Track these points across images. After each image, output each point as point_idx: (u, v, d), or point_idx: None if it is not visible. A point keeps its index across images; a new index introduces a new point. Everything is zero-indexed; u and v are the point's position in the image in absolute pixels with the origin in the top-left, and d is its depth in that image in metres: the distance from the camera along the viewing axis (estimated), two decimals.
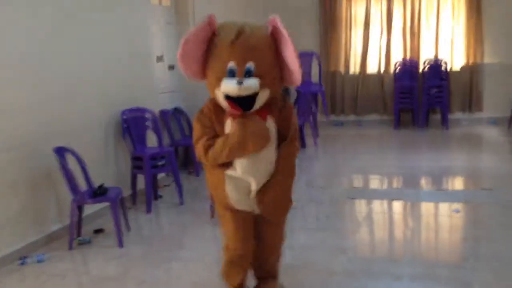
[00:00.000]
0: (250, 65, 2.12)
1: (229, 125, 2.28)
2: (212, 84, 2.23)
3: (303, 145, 6.72)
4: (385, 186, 5.13)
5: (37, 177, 3.80)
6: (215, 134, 2.31)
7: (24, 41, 3.70)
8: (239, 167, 2.31)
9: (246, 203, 2.42)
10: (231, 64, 2.13)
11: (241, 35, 2.14)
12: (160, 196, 5.02)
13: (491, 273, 2.95)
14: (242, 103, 2.16)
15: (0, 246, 3.47)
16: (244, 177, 2.33)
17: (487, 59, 7.94)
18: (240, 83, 2.10)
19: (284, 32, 2.15)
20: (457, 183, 5.30)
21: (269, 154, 2.33)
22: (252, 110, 2.22)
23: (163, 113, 5.68)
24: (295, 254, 3.37)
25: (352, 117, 8.74)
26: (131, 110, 4.84)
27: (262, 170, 2.33)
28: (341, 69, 8.62)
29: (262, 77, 2.15)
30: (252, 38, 2.15)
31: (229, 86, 2.13)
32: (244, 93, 2.12)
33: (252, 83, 2.13)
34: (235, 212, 2.44)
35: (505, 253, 3.22)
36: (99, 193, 3.77)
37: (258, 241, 2.59)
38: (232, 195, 2.38)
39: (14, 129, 3.59)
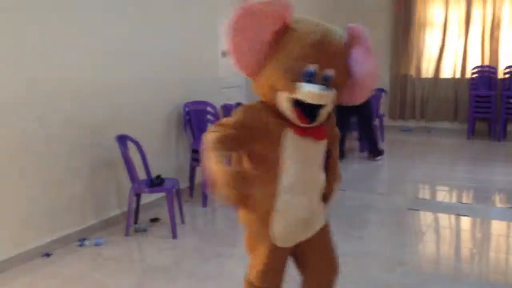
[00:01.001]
0: (331, 72, 1.78)
1: (290, 138, 1.85)
2: (274, 85, 1.81)
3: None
4: (452, 200, 4.83)
5: (100, 163, 3.91)
6: (238, 139, 1.84)
7: (107, 37, 3.83)
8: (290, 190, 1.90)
9: (294, 237, 1.99)
10: (312, 67, 1.75)
11: (327, 37, 1.81)
12: None
13: None
14: (310, 113, 1.79)
15: (62, 226, 3.61)
16: (296, 201, 1.92)
17: None
18: (324, 89, 1.76)
19: (368, 44, 1.89)
20: None
21: (320, 176, 2.02)
22: (316, 123, 1.85)
23: (225, 107, 5.68)
24: (347, 262, 3.23)
25: (421, 123, 8.37)
26: (194, 103, 4.88)
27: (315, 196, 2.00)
28: (412, 72, 8.26)
29: (338, 88, 1.86)
30: (336, 43, 1.83)
31: (310, 90, 1.74)
32: (322, 101, 1.78)
33: (332, 92, 1.80)
34: (273, 248, 1.97)
35: None
36: (156, 183, 3.82)
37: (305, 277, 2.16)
38: (280, 230, 1.92)
39: (82, 116, 3.72)
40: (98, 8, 3.81)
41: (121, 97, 4.08)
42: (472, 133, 7.63)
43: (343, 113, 6.48)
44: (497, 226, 4.07)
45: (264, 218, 1.91)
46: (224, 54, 5.83)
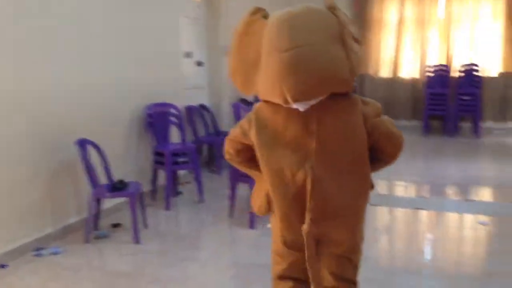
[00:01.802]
0: None
1: None
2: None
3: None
4: (410, 194, 4.98)
5: (58, 168, 3.80)
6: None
7: (67, 38, 3.72)
8: None
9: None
10: None
11: None
12: (180, 193, 4.99)
13: None
14: None
15: (17, 236, 3.48)
16: None
17: None
18: None
19: None
20: (486, 195, 5.10)
21: None
22: None
23: (189, 109, 5.65)
24: None
25: None
26: (156, 105, 4.82)
27: None
28: (371, 71, 8.45)
29: None
30: None
31: None
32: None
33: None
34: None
35: None
36: (118, 187, 3.75)
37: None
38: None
39: (39, 118, 3.60)
40: (57, 10, 3.71)
41: (81, 99, 3.98)
42: (427, 130, 7.87)
43: None
44: (452, 218, 4.22)
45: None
46: (187, 55, 5.79)
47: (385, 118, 1.74)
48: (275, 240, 1.85)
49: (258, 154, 1.74)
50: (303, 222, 1.70)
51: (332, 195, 1.68)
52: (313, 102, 1.61)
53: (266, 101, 1.70)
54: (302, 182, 1.66)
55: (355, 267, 1.88)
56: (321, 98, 1.60)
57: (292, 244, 1.79)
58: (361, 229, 1.85)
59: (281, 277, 1.88)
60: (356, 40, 1.64)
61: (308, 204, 1.67)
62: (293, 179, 1.67)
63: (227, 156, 1.92)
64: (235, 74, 1.75)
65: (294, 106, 1.61)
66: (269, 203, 1.80)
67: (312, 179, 1.65)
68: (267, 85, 1.61)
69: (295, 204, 1.70)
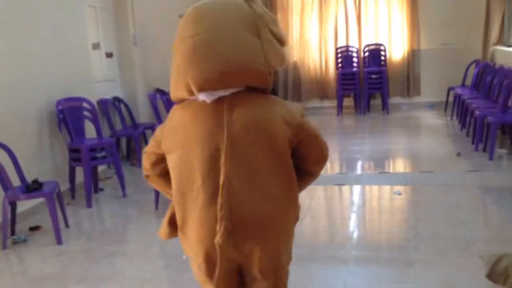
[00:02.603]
0: None
1: None
2: None
3: None
4: (329, 172, 5.19)
5: None
6: None
7: None
8: None
9: None
10: None
11: None
12: (101, 189, 4.83)
13: (432, 252, 3.03)
14: None
15: None
16: None
17: (423, 46, 8.20)
18: None
19: None
20: (398, 166, 5.45)
21: None
22: None
23: (102, 102, 5.44)
24: None
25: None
26: (67, 100, 4.60)
27: None
28: None
29: None
30: None
31: None
32: None
33: None
34: None
35: (445, 231, 3.32)
36: (33, 188, 3.55)
37: None
38: None
39: None
40: None
41: None
42: (341, 109, 8.22)
43: None
44: (370, 190, 4.47)
45: None
46: (95, 46, 5.57)
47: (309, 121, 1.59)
48: (193, 268, 1.55)
49: (168, 160, 1.54)
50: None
51: (249, 201, 1.42)
52: (222, 93, 1.44)
53: (178, 102, 1.54)
54: (214, 185, 1.41)
55: None
56: (232, 90, 1.45)
57: (210, 271, 1.48)
58: (288, 247, 1.59)
59: None
60: (276, 37, 1.49)
61: (220, 210, 1.40)
62: (204, 182, 1.42)
63: (144, 173, 1.70)
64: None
65: (200, 97, 1.45)
66: (173, 222, 1.56)
67: (223, 180, 1.40)
68: (173, 79, 1.47)
69: (206, 213, 1.42)
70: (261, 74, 1.45)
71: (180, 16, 1.52)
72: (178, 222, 1.53)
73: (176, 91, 1.49)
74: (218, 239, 1.40)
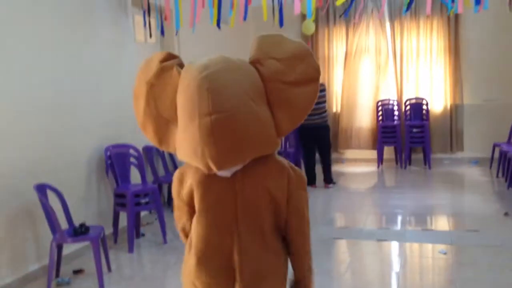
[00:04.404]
0: None
1: None
2: None
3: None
4: (370, 226, 5.10)
5: (16, 214, 3.67)
6: None
7: (7, 74, 3.65)
8: None
9: None
10: None
11: None
12: (143, 235, 4.90)
13: None
14: None
15: None
16: None
17: (466, 100, 8.12)
18: None
19: None
20: (442, 224, 5.30)
21: None
22: None
23: (147, 149, 5.61)
24: None
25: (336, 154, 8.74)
26: (115, 146, 4.78)
27: None
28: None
29: None
30: None
31: None
32: None
33: None
34: None
35: None
36: (80, 231, 3.65)
37: None
38: None
39: None
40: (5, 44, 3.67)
41: (38, 142, 3.90)
42: (381, 161, 8.13)
43: (306, 140, 6.71)
44: (412, 248, 4.35)
45: None
46: None
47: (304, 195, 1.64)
48: None
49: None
50: None
51: (259, 259, 1.58)
52: (239, 167, 1.53)
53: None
54: (229, 249, 1.56)
55: None
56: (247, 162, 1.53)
57: None
58: None
59: None
60: (296, 82, 1.53)
61: (237, 274, 1.56)
62: (219, 247, 1.57)
63: (179, 227, 1.81)
64: (144, 126, 1.66)
65: (219, 173, 1.52)
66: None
67: (239, 246, 1.56)
68: (189, 151, 1.48)
69: (220, 276, 1.58)
70: (273, 145, 1.54)
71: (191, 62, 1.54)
72: None
73: (191, 161, 1.51)
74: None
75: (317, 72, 1.57)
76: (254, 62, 1.56)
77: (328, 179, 6.84)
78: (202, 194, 1.58)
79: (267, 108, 1.52)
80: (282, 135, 1.56)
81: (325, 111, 6.78)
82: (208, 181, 1.57)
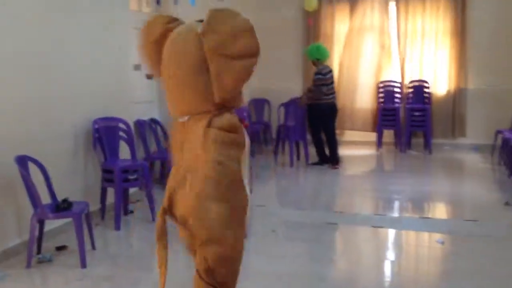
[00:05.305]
0: None
1: None
2: None
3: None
4: (366, 211, 4.96)
5: None
6: None
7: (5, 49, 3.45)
8: None
9: None
10: None
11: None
12: (131, 212, 4.75)
13: None
14: None
15: None
16: None
17: (470, 85, 7.90)
18: None
19: None
20: (440, 212, 5.15)
21: None
22: None
23: (139, 123, 5.43)
24: (272, 284, 3.15)
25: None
26: (104, 119, 4.58)
27: None
28: None
29: None
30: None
31: None
32: None
33: None
34: None
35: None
36: (62, 207, 3.49)
37: None
38: None
39: None
40: None
41: (21, 114, 3.71)
42: (380, 144, 7.96)
43: (314, 119, 6.65)
44: (409, 236, 4.22)
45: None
46: (136, 67, 5.58)
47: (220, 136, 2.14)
48: None
49: None
50: None
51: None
52: (186, 117, 2.22)
53: None
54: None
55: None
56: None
57: None
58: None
59: None
60: (237, 55, 1.96)
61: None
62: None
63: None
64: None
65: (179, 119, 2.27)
66: None
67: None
68: None
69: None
70: (207, 107, 2.13)
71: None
72: None
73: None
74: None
75: (257, 48, 1.99)
76: (201, 34, 1.98)
77: (335, 160, 6.72)
78: (173, 133, 2.38)
79: (205, 77, 2.05)
80: (219, 99, 2.08)
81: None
82: (175, 123, 2.32)
